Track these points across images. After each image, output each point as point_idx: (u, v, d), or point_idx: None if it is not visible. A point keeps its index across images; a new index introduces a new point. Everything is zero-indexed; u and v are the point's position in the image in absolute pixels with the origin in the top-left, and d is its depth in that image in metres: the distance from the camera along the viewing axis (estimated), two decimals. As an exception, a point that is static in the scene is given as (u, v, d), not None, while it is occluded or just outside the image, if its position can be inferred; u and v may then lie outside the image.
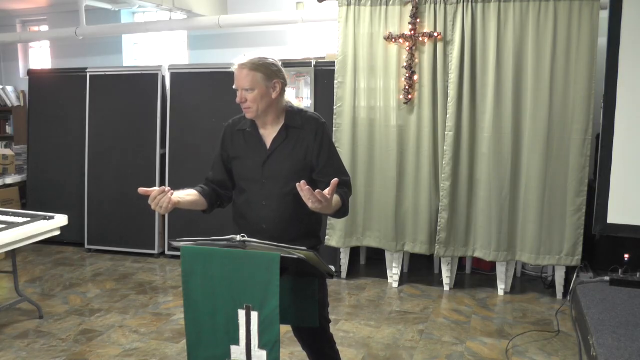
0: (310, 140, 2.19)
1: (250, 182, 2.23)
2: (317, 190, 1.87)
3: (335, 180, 1.92)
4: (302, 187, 1.87)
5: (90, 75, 5.53)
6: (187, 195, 2.18)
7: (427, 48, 4.24)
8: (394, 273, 4.55)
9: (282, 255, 1.81)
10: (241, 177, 2.27)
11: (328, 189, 1.91)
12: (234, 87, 2.15)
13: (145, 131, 5.36)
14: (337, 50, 4.45)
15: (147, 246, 5.38)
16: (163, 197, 1.99)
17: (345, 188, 2.18)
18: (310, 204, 1.90)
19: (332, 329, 2.43)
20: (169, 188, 2.02)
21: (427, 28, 4.23)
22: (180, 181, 5.27)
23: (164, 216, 5.27)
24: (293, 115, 2.22)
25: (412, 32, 4.23)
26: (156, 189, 1.99)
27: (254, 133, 2.24)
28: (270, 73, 2.13)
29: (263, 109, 2.15)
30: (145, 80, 5.36)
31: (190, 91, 5.22)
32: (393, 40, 4.30)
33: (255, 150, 2.23)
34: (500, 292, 4.35)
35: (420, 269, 4.93)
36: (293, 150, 2.19)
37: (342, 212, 2.17)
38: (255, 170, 2.21)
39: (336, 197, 2.07)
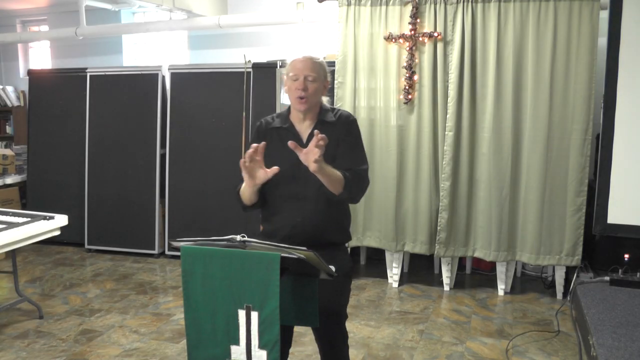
0: (341, 136, 2.28)
1: (286, 177, 2.25)
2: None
3: (316, 131, 2.00)
4: (316, 134, 1.97)
5: (90, 75, 5.53)
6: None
7: (427, 48, 4.25)
8: (394, 273, 4.55)
9: (282, 255, 1.82)
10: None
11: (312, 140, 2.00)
12: (290, 74, 2.22)
13: (145, 131, 5.35)
14: (337, 50, 4.45)
15: (147, 246, 5.38)
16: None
17: (353, 173, 2.22)
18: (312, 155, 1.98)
19: (332, 329, 2.43)
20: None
21: (427, 28, 4.23)
22: (180, 181, 5.31)
23: (164, 216, 5.27)
24: (326, 112, 2.33)
25: (412, 32, 4.23)
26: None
27: (290, 130, 2.31)
28: (326, 71, 2.28)
29: (315, 102, 2.26)
30: (145, 80, 5.36)
31: (190, 91, 5.22)
32: (393, 40, 4.30)
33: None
34: (500, 292, 4.35)
35: (420, 269, 4.93)
36: (326, 144, 2.22)
37: (345, 187, 2.18)
38: (291, 165, 2.23)
39: (336, 171, 2.14)
